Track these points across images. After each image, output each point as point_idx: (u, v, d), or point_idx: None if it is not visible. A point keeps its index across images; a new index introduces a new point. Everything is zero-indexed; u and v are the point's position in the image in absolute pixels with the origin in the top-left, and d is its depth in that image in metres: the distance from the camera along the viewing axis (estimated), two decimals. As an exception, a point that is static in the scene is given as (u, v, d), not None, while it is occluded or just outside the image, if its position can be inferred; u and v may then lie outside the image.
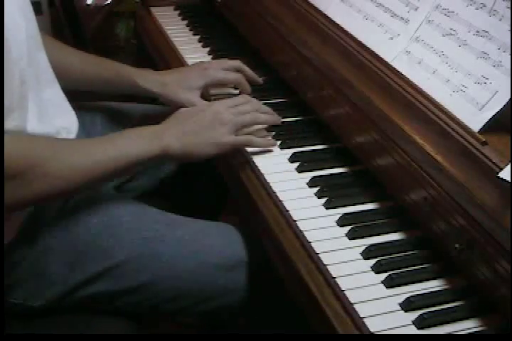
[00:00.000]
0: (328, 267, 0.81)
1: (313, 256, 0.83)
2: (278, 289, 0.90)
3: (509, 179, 0.72)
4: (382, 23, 1.00)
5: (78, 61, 1.13)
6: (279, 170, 0.99)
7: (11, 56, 0.82)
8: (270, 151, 1.03)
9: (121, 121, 1.21)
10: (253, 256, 0.99)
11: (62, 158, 0.84)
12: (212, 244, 0.99)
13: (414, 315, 0.76)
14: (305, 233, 0.87)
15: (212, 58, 1.32)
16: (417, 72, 0.91)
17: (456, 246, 0.77)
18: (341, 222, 0.89)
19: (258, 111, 1.05)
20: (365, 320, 0.75)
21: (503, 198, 0.73)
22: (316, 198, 0.94)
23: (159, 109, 1.25)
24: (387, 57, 0.96)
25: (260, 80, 1.21)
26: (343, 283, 0.79)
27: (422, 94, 0.88)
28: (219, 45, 1.38)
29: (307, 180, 0.97)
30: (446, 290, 0.80)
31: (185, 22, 1.49)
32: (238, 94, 1.17)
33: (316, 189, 0.95)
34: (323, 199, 0.93)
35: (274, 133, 1.07)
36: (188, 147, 0.95)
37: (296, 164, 1.00)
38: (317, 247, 0.84)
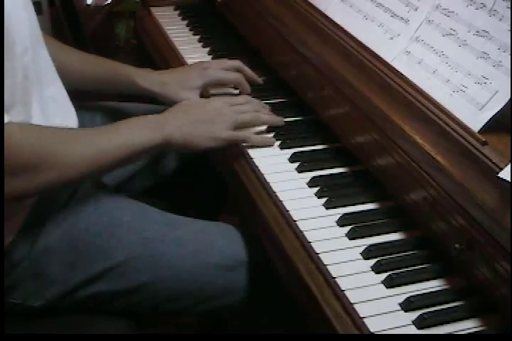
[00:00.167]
0: (328, 267, 0.81)
1: (313, 256, 0.83)
2: (278, 289, 0.90)
3: (509, 179, 0.72)
4: (382, 23, 1.00)
5: (78, 61, 1.13)
6: (279, 170, 0.99)
7: (15, 50, 0.83)
8: (270, 151, 1.03)
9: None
10: (253, 256, 0.99)
11: (68, 147, 0.85)
12: (212, 244, 0.99)
13: (414, 315, 0.76)
14: (305, 233, 0.87)
15: (212, 58, 1.32)
16: (417, 72, 0.91)
17: (456, 246, 0.77)
18: (341, 222, 0.89)
19: (259, 112, 1.06)
20: (365, 320, 0.75)
21: (503, 198, 0.73)
22: (316, 198, 0.94)
23: (159, 109, 1.25)
24: (387, 57, 0.96)
25: (260, 80, 1.21)
26: (343, 283, 0.79)
27: (422, 94, 0.88)
28: (219, 45, 1.38)
29: (307, 180, 0.97)
30: (446, 290, 0.80)
31: (185, 22, 1.49)
32: (238, 94, 1.17)
33: (316, 189, 0.95)
34: (323, 199, 0.93)
35: (274, 133, 1.07)
36: (188, 137, 0.96)
37: (296, 164, 1.00)
38: (317, 247, 0.84)
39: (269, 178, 0.97)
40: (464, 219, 0.76)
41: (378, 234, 0.88)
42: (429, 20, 0.93)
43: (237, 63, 1.18)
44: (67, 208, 0.95)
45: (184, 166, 1.26)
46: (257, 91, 1.18)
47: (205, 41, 1.39)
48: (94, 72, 1.13)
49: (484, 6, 0.85)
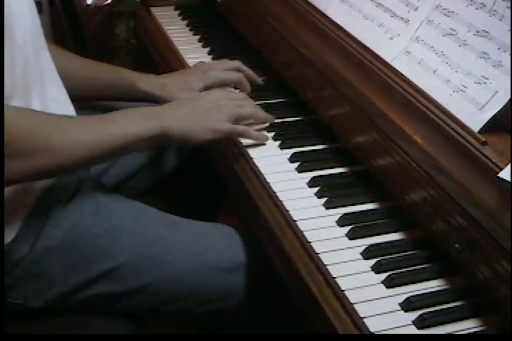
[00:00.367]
0: (328, 267, 0.81)
1: (313, 256, 0.83)
2: (278, 289, 0.90)
3: (509, 179, 0.72)
4: (382, 23, 1.00)
5: (81, 67, 1.13)
6: (279, 170, 0.99)
7: (15, 41, 0.83)
8: (270, 151, 1.03)
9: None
10: (253, 257, 0.99)
11: (63, 134, 0.85)
12: (212, 247, 0.99)
13: (414, 315, 0.76)
14: (305, 233, 0.87)
15: (212, 58, 1.32)
16: (417, 72, 0.91)
17: (456, 246, 0.77)
18: (341, 222, 0.89)
19: (257, 108, 1.06)
20: (365, 320, 0.75)
21: (503, 198, 0.73)
22: (316, 198, 0.94)
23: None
24: (387, 57, 0.96)
25: (260, 80, 1.21)
26: (343, 283, 0.79)
27: (422, 94, 0.88)
28: (219, 45, 1.38)
29: (307, 180, 0.97)
30: (446, 290, 0.80)
31: (185, 22, 1.49)
32: (238, 95, 1.17)
33: (316, 189, 0.95)
34: (323, 199, 0.93)
35: (274, 133, 1.07)
36: (187, 129, 0.95)
37: (296, 164, 1.00)
38: (317, 247, 0.84)
39: (269, 178, 0.97)
40: (464, 219, 0.76)
41: (378, 234, 0.88)
42: (429, 20, 0.93)
43: (237, 64, 1.18)
44: (68, 209, 0.95)
45: (183, 166, 1.26)
46: (257, 91, 1.18)
47: (205, 41, 1.39)
48: (97, 77, 1.14)
49: (484, 6, 0.85)
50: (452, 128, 0.82)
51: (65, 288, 0.93)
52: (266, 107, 1.11)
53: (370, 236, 0.87)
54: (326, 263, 0.82)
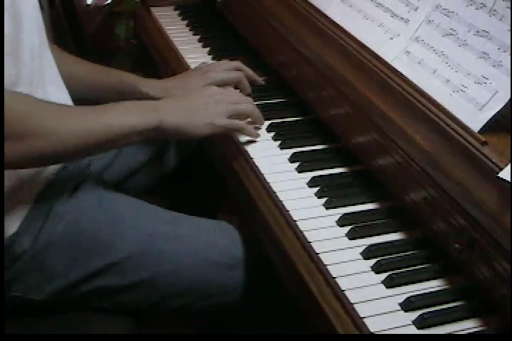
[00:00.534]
0: (328, 267, 0.81)
1: (313, 256, 0.83)
2: (277, 289, 0.90)
3: (509, 179, 0.72)
4: (382, 23, 1.00)
5: (83, 70, 1.14)
6: (279, 170, 0.99)
7: (23, 29, 0.85)
8: (270, 151, 1.03)
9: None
10: (253, 255, 0.99)
11: (58, 121, 0.85)
12: (213, 243, 0.99)
13: (414, 315, 0.76)
14: (305, 233, 0.87)
15: (212, 58, 1.32)
16: (417, 72, 0.91)
17: (456, 246, 0.77)
18: (341, 222, 0.89)
19: (254, 106, 1.06)
20: (365, 320, 0.75)
21: (503, 198, 0.73)
22: (316, 198, 0.94)
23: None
24: (387, 57, 0.96)
25: (260, 80, 1.21)
26: (343, 283, 0.79)
27: (422, 94, 0.88)
28: (219, 45, 1.38)
29: (307, 180, 0.97)
30: (446, 290, 0.80)
31: (185, 22, 1.49)
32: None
33: (316, 189, 0.95)
34: (323, 199, 0.93)
35: (274, 133, 1.07)
36: (183, 123, 0.95)
37: (296, 164, 1.00)
38: (317, 247, 0.84)
39: (269, 178, 0.97)
40: (464, 219, 0.76)
41: (378, 234, 0.88)
42: (429, 20, 0.93)
43: (237, 64, 1.18)
44: (71, 203, 0.96)
45: (183, 164, 1.26)
46: (257, 92, 1.18)
47: (205, 41, 1.39)
48: (99, 81, 1.14)
49: (484, 6, 0.85)
50: (452, 128, 0.82)
51: (66, 281, 0.93)
52: (266, 107, 1.11)
53: (370, 236, 0.87)
54: (326, 263, 0.82)
